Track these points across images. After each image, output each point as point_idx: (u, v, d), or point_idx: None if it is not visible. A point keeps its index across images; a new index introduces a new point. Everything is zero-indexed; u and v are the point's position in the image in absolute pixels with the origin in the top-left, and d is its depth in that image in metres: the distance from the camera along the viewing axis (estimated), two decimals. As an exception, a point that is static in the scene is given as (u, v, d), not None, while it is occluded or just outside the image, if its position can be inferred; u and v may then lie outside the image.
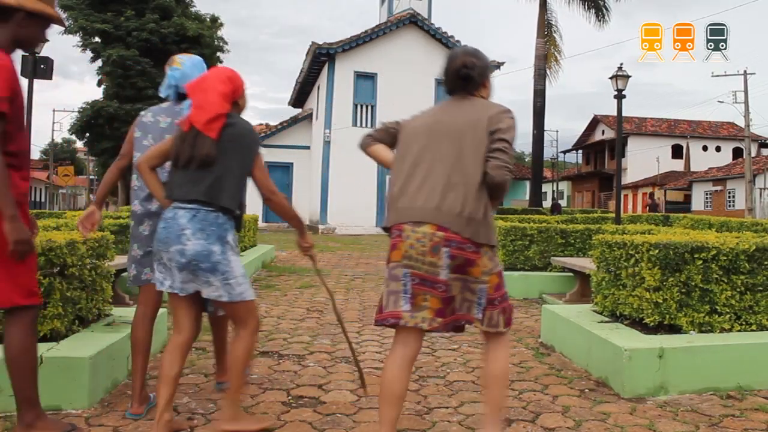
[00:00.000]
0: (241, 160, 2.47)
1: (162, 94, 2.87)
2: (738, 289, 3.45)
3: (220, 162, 2.42)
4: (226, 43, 32.92)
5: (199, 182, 2.40)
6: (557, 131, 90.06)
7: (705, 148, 43.61)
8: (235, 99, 2.55)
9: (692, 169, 40.01)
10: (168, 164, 2.54)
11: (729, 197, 32.79)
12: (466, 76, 2.30)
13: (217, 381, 3.15)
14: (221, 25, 32.82)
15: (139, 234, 2.85)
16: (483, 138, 2.18)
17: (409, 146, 2.31)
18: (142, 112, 2.94)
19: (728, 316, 3.44)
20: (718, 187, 33.47)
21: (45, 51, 10.76)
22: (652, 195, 36.50)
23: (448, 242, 2.14)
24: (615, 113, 15.11)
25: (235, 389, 2.49)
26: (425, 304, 2.19)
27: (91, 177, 60.83)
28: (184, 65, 2.85)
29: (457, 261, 2.15)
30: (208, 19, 31.64)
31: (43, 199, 43.82)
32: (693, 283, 3.38)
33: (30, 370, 2.34)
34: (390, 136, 2.42)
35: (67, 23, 26.76)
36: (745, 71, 29.59)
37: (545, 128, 22.16)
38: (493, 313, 2.23)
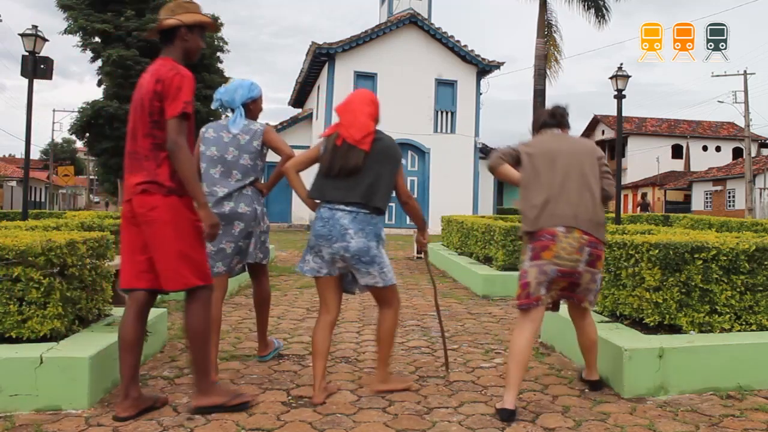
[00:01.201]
0: (390, 169, 2.97)
1: (212, 107, 3.68)
2: (738, 289, 3.45)
3: (373, 169, 2.92)
4: (226, 43, 32.90)
5: (355, 187, 2.89)
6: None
7: (705, 148, 43.61)
8: (375, 118, 3.11)
9: (692, 169, 40.02)
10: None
11: (729, 197, 32.79)
12: (562, 115, 3.08)
13: (258, 356, 3.67)
14: (221, 25, 32.82)
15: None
16: (595, 163, 2.93)
17: (547, 165, 2.88)
18: (203, 129, 3.55)
19: (728, 316, 3.44)
20: (718, 187, 33.47)
21: (45, 51, 10.72)
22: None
23: (590, 244, 2.81)
24: (615, 113, 15.11)
25: (385, 356, 3.10)
26: (555, 287, 2.89)
27: (91, 177, 60.84)
28: (228, 85, 3.58)
29: (592, 257, 2.82)
30: (208, 19, 31.63)
31: (42, 199, 43.81)
32: (693, 283, 3.38)
33: (206, 343, 2.75)
34: (513, 158, 2.99)
35: (66, 23, 26.79)
36: (745, 71, 29.61)
37: (545, 128, 22.13)
38: (597, 296, 3.01)
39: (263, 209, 3.49)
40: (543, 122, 3.08)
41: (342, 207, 2.89)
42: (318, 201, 3.00)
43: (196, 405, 2.75)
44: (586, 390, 3.17)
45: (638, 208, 29.37)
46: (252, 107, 3.50)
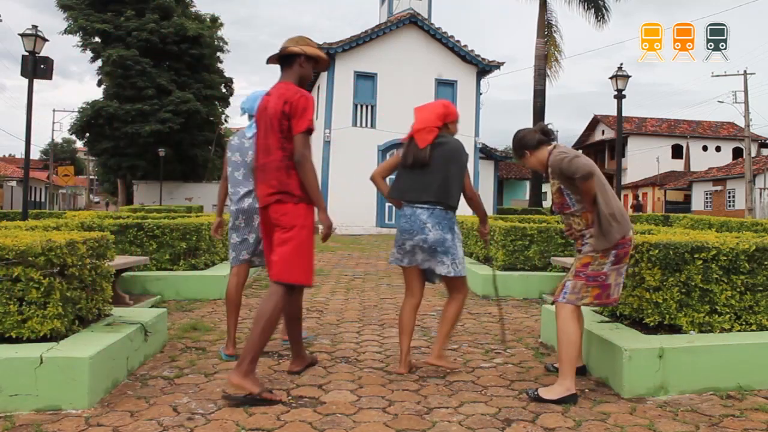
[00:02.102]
0: (459, 170, 3.34)
1: (240, 115, 4.03)
2: (738, 289, 3.45)
3: (442, 171, 3.29)
4: (226, 43, 32.98)
5: (428, 188, 3.28)
6: (557, 131, 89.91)
7: (705, 148, 43.61)
8: (446, 122, 3.39)
9: (692, 169, 40.02)
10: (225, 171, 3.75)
11: (729, 197, 32.79)
12: (552, 132, 3.28)
13: (282, 339, 3.94)
14: (221, 25, 32.85)
15: (236, 226, 3.76)
16: None
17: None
18: (231, 136, 3.84)
19: (728, 316, 3.44)
20: (718, 187, 33.47)
21: (45, 51, 10.73)
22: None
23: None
24: (615, 113, 15.11)
25: (445, 335, 3.45)
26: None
27: (91, 177, 60.85)
28: (249, 95, 3.93)
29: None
30: (208, 19, 31.66)
31: (42, 199, 43.80)
32: (693, 283, 3.38)
33: (271, 331, 3.00)
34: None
35: (66, 23, 26.79)
36: (745, 71, 29.60)
37: (545, 128, 22.15)
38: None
39: None
40: (539, 140, 3.17)
41: (420, 205, 3.30)
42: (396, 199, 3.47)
43: (230, 380, 2.92)
44: (587, 390, 3.17)
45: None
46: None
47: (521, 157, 3.24)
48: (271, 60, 3.23)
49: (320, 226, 3.14)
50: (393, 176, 3.55)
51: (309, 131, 3.03)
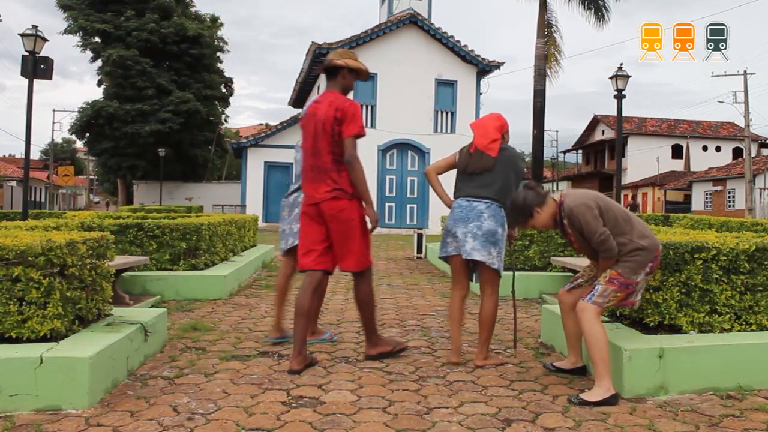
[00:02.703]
0: (516, 175, 3.63)
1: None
2: (738, 289, 3.45)
3: (503, 173, 3.58)
4: (226, 43, 32.96)
5: (489, 186, 3.56)
6: (557, 131, 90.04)
7: (705, 148, 43.61)
8: (503, 132, 3.69)
9: (692, 169, 40.01)
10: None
11: (729, 197, 32.79)
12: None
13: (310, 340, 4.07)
14: (221, 25, 32.83)
15: (284, 217, 4.13)
16: None
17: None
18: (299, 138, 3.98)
19: (728, 316, 3.44)
20: (718, 187, 33.47)
21: (45, 51, 10.73)
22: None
23: None
24: (615, 113, 15.11)
25: (487, 338, 3.63)
26: None
27: (91, 177, 60.85)
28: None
29: None
30: (208, 19, 31.65)
31: (42, 199, 43.80)
32: (693, 283, 3.38)
33: (374, 308, 3.66)
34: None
35: (66, 23, 26.78)
36: (745, 71, 29.62)
37: (545, 128, 22.17)
38: None
39: None
40: (542, 193, 3.22)
41: (478, 200, 3.55)
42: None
43: (368, 353, 3.66)
44: (586, 390, 3.17)
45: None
46: None
47: (529, 217, 3.18)
48: (319, 69, 3.66)
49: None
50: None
51: (358, 135, 3.43)
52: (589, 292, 3.08)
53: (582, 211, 3.01)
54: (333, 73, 3.59)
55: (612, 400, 2.92)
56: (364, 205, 3.52)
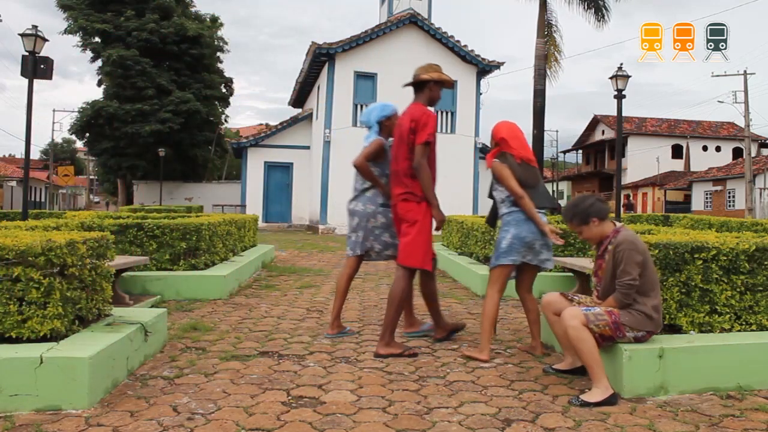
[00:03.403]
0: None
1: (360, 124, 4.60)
2: (738, 289, 3.45)
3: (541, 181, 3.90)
4: (226, 43, 32.94)
5: (545, 196, 3.86)
6: (557, 131, 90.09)
7: (705, 148, 43.62)
8: None
9: (692, 169, 40.02)
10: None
11: (729, 197, 32.78)
12: None
13: (405, 332, 4.41)
14: (221, 25, 32.82)
15: (349, 222, 4.36)
16: None
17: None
18: None
19: (728, 316, 3.44)
20: (718, 187, 33.47)
21: (45, 51, 10.72)
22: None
23: None
24: (615, 113, 15.10)
25: (538, 332, 3.96)
26: None
27: (91, 177, 60.84)
28: (367, 107, 4.48)
29: None
30: (208, 19, 31.63)
31: (42, 199, 43.79)
32: (693, 283, 3.38)
33: (399, 309, 3.83)
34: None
35: (66, 23, 26.77)
36: (745, 71, 29.62)
37: (545, 128, 22.16)
38: None
39: (378, 208, 4.19)
40: (608, 212, 3.30)
41: (543, 211, 3.83)
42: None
43: (377, 352, 3.78)
44: (586, 390, 3.17)
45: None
46: (386, 124, 4.22)
47: (584, 224, 3.24)
48: (407, 85, 3.99)
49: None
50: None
51: (427, 143, 3.74)
52: (586, 308, 3.12)
53: (630, 249, 3.06)
54: (419, 87, 3.93)
55: (612, 400, 2.94)
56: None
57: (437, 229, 3.90)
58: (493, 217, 4.17)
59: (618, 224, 3.27)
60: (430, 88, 3.90)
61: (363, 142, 4.26)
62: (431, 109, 3.95)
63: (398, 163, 3.89)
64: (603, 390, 2.96)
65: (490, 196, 4.03)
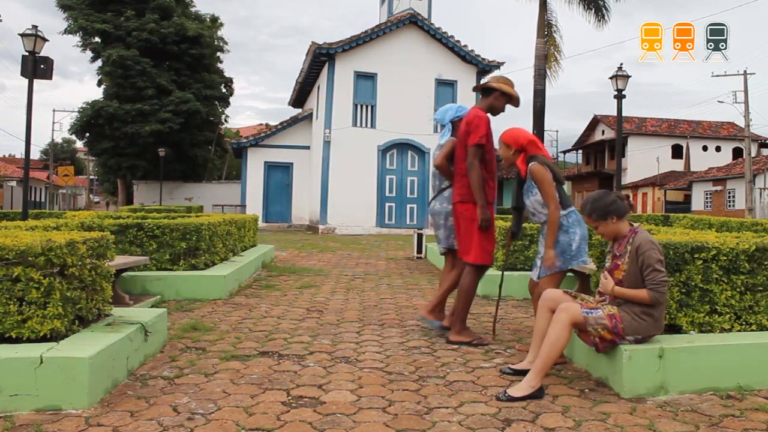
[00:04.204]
0: None
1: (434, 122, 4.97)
2: (738, 289, 3.45)
3: None
4: (226, 43, 32.96)
5: (567, 195, 3.87)
6: (557, 131, 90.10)
7: (705, 148, 43.61)
8: None
9: (692, 169, 40.02)
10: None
11: (729, 197, 32.78)
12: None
13: (420, 314, 4.59)
14: (221, 25, 32.83)
15: (432, 222, 4.54)
16: None
17: None
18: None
19: (728, 316, 3.44)
20: (718, 187, 33.47)
21: (45, 51, 10.73)
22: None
23: None
24: (615, 113, 15.11)
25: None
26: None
27: (91, 177, 60.86)
28: (441, 108, 4.63)
29: None
30: (207, 19, 31.64)
31: (42, 199, 43.79)
32: (693, 283, 3.38)
33: (468, 301, 4.11)
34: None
35: (66, 23, 26.77)
36: (745, 71, 29.63)
37: (545, 128, 22.18)
38: None
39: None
40: (626, 210, 3.26)
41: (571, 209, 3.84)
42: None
43: (449, 339, 4.09)
44: (587, 390, 3.17)
45: None
46: (458, 124, 4.30)
47: (603, 219, 3.22)
48: (475, 89, 4.21)
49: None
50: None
51: (478, 145, 3.94)
52: (590, 309, 3.10)
53: (653, 249, 3.06)
54: (486, 93, 4.12)
55: (538, 394, 3.01)
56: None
57: (482, 228, 3.99)
58: (518, 225, 4.10)
59: (635, 225, 3.26)
60: (495, 96, 4.06)
61: (438, 140, 4.51)
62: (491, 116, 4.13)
63: (458, 165, 4.15)
64: (530, 387, 3.00)
65: (519, 203, 3.96)
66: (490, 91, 4.09)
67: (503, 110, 4.16)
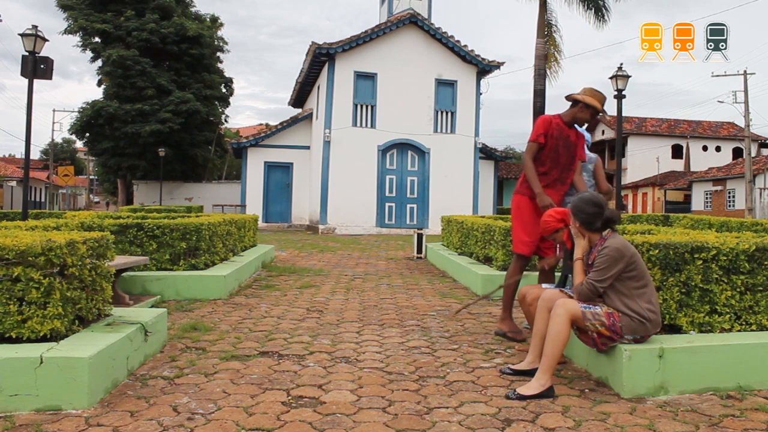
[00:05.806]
0: None
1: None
2: (738, 289, 3.45)
3: None
4: (226, 43, 32.96)
5: None
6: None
7: (705, 148, 43.62)
8: None
9: (692, 169, 40.02)
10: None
11: (729, 197, 32.78)
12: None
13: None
14: (221, 25, 32.85)
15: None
16: None
17: None
18: None
19: (728, 316, 3.44)
20: (718, 187, 33.46)
21: (45, 51, 10.73)
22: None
23: None
24: (615, 113, 15.11)
25: None
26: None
27: (91, 177, 60.87)
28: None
29: None
30: (207, 19, 31.66)
31: (42, 199, 43.80)
32: (693, 283, 3.38)
33: (510, 289, 4.30)
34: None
35: (66, 23, 26.78)
36: (745, 71, 29.62)
37: (545, 128, 22.12)
38: None
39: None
40: (612, 221, 3.23)
41: None
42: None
43: (496, 329, 4.24)
44: (587, 390, 3.17)
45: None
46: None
47: (583, 226, 3.25)
48: (567, 98, 4.30)
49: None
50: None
51: (533, 142, 4.18)
52: (587, 306, 3.12)
53: (614, 256, 3.05)
54: (573, 104, 4.24)
55: (548, 393, 3.02)
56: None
57: (544, 212, 3.91)
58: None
59: (605, 233, 3.24)
60: (579, 108, 4.17)
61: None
62: (579, 127, 4.32)
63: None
64: (540, 385, 3.02)
65: (567, 270, 3.72)
66: (576, 102, 4.20)
67: (589, 121, 4.25)
